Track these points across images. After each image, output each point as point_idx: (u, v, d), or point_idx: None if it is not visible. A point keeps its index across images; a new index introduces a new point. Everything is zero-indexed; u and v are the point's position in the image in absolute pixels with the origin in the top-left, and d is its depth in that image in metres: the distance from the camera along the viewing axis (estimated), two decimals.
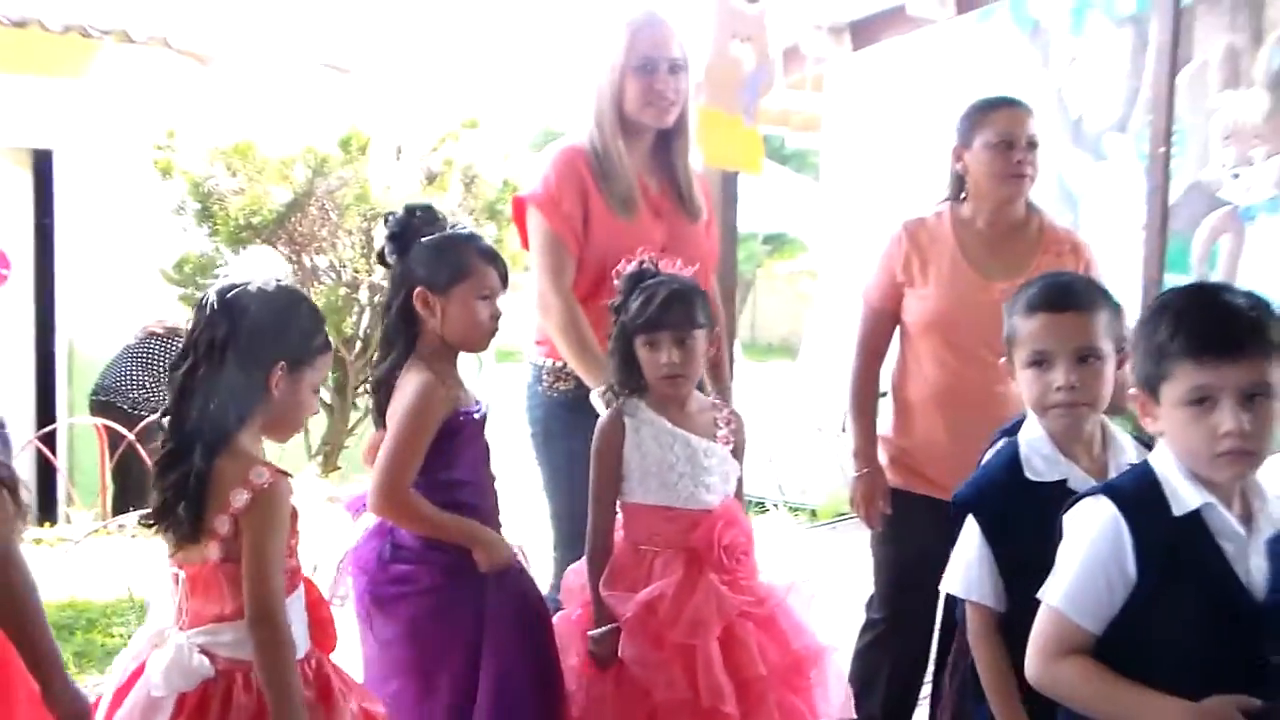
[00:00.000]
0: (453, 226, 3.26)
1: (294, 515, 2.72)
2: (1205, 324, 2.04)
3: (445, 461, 3.14)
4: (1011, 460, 2.63)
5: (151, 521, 2.72)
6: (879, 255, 3.77)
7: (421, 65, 8.27)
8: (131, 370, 7.73)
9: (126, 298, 8.06)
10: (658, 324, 3.14)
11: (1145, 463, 2.20)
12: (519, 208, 3.71)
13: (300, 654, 2.69)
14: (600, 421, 3.27)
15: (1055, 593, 2.15)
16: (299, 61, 9.10)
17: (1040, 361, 2.57)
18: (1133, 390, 2.19)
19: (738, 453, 3.18)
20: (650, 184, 3.68)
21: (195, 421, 2.63)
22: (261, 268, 2.51)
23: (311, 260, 7.97)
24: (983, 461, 2.77)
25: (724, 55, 4.33)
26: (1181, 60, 5.84)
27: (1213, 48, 6.42)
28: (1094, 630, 2.12)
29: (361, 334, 8.76)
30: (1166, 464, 2.13)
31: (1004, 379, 3.17)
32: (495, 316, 3.18)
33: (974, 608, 2.57)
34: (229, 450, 2.63)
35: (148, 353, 7.54)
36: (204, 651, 2.63)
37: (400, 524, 3.16)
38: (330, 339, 2.84)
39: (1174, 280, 5.91)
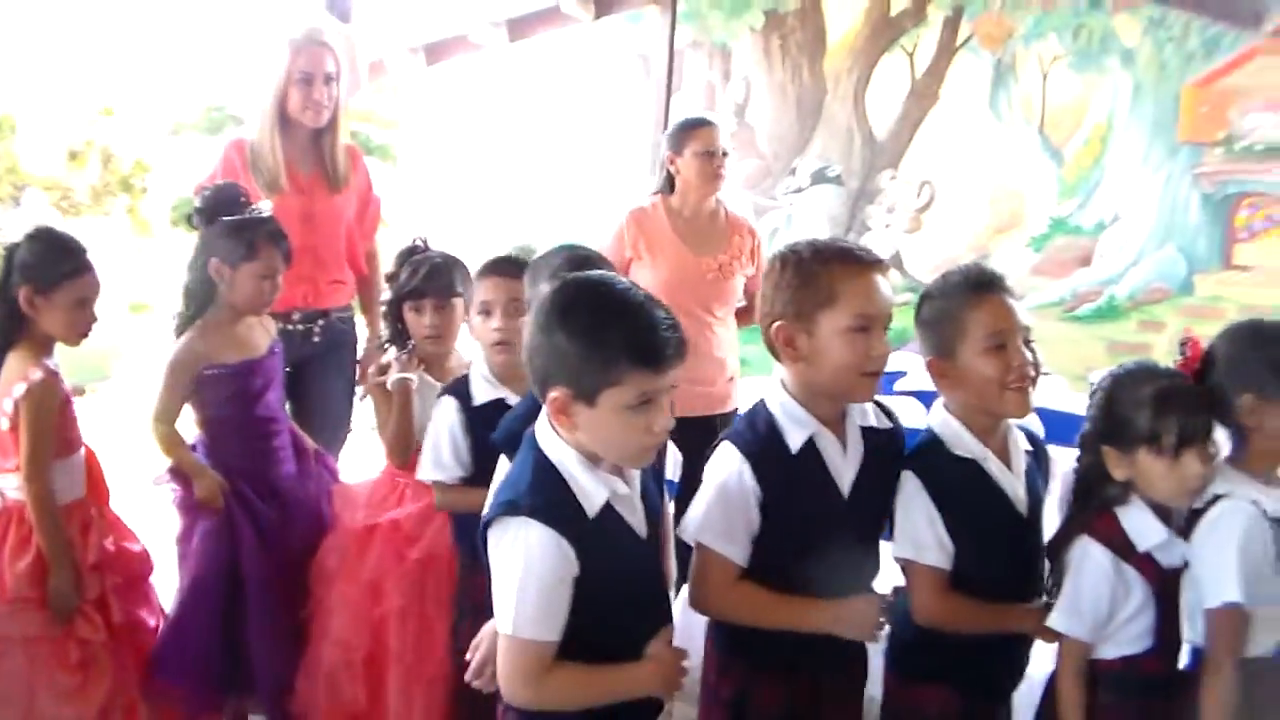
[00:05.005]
0: (250, 209, 3.38)
1: (67, 400, 3.02)
2: None
3: (197, 407, 3.35)
4: (463, 382, 3.03)
5: None
6: (609, 237, 4.21)
7: (63, 56, 8.61)
8: None
9: None
10: (421, 292, 3.30)
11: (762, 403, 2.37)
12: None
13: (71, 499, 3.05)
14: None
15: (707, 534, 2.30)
16: None
17: (486, 312, 2.95)
18: (777, 325, 2.31)
19: None
20: (301, 169, 3.94)
21: None
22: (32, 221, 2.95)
23: None
24: None
25: None
26: (674, 89, 7.06)
27: (696, 82, 7.22)
28: (743, 562, 2.29)
29: None
30: (775, 404, 2.34)
31: (711, 327, 4.10)
32: (275, 289, 3.34)
33: None
34: (14, 354, 2.98)
35: None
36: None
37: None
38: (80, 265, 3.01)
39: None
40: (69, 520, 3.06)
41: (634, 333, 1.93)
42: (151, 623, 3.22)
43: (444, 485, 3.01)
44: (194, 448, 3.35)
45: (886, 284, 2.30)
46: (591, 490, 2.00)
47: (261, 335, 3.42)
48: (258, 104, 3.98)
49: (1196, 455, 2.27)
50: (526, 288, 2.84)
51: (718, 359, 4.19)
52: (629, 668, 2.06)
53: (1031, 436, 2.56)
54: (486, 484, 2.67)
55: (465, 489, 2.96)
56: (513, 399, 2.92)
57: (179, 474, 3.31)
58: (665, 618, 2.19)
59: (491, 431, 2.76)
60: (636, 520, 2.09)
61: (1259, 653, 2.30)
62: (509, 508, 2.00)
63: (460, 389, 3.02)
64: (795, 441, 2.29)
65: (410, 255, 3.36)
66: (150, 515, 3.39)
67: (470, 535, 2.87)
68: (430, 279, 3.28)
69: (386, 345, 3.42)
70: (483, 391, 2.98)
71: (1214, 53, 6.25)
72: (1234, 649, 2.26)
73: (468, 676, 2.32)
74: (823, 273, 2.27)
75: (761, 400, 2.37)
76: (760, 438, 2.31)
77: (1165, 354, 2.43)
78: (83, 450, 3.12)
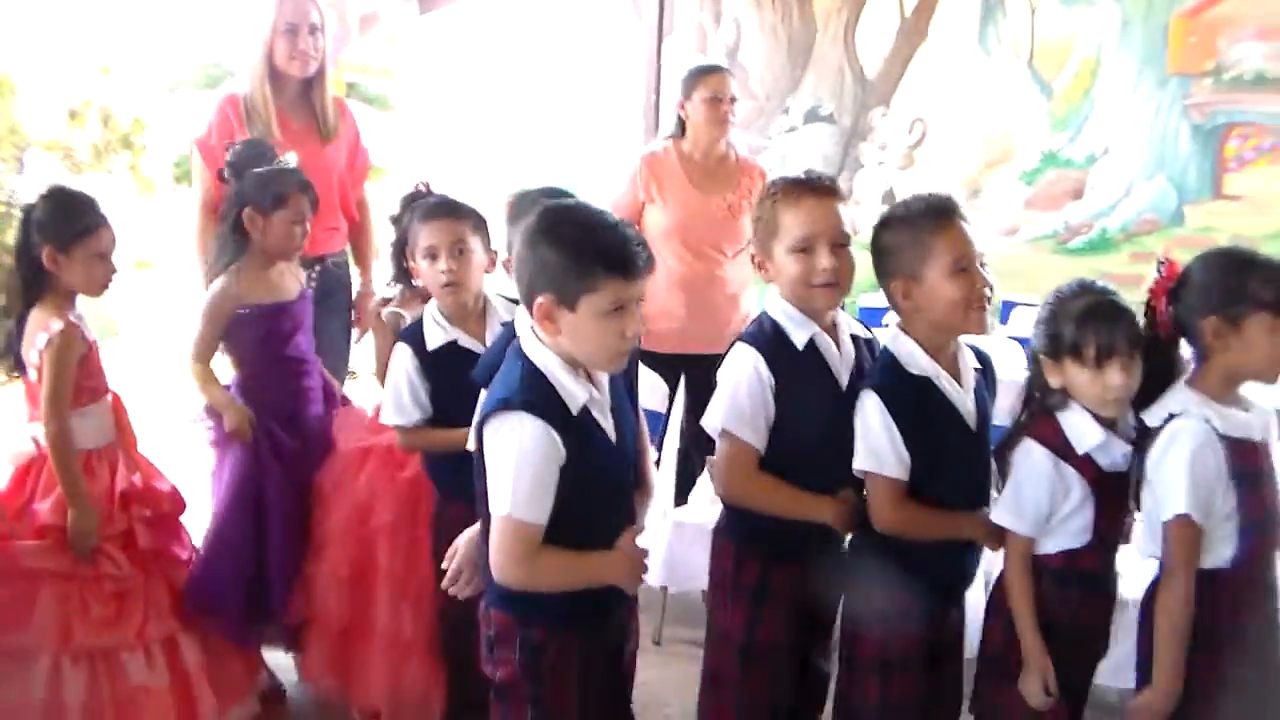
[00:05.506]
0: (278, 161, 3.53)
1: (90, 348, 3.12)
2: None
3: (231, 348, 3.45)
4: (417, 327, 3.11)
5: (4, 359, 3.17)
6: (624, 181, 4.42)
7: (59, 17, 8.63)
8: None
9: None
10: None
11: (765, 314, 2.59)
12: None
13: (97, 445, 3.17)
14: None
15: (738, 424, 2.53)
16: None
17: (432, 256, 3.06)
18: (752, 254, 2.61)
19: None
20: (293, 119, 4.04)
21: (11, 293, 3.14)
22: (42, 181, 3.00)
23: None
24: None
25: None
26: (665, 32, 7.14)
27: (687, 25, 7.26)
28: (762, 449, 2.54)
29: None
30: (777, 310, 2.56)
31: (721, 265, 4.31)
32: (304, 234, 3.46)
33: None
34: (38, 309, 3.08)
35: None
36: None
37: None
38: (95, 221, 3.08)
39: None
40: (99, 463, 3.17)
41: (609, 245, 2.18)
42: (184, 556, 3.33)
43: (405, 429, 3.10)
44: (229, 388, 3.48)
45: (830, 205, 2.54)
46: (574, 390, 2.22)
47: (292, 281, 3.54)
48: (247, 58, 4.08)
49: (1119, 367, 2.39)
50: (507, 223, 2.97)
51: (729, 295, 4.34)
52: (601, 555, 2.28)
53: (980, 355, 2.68)
54: (446, 425, 2.96)
55: (427, 430, 3.08)
56: (465, 340, 3.05)
57: (214, 412, 3.45)
58: (631, 517, 2.42)
59: (447, 373, 2.97)
60: (608, 425, 2.30)
61: (1217, 564, 2.42)
62: (503, 404, 2.19)
63: (414, 334, 3.11)
64: (800, 339, 2.53)
65: (413, 200, 3.44)
66: (169, 464, 3.47)
67: (439, 470, 3.12)
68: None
69: (392, 283, 3.54)
70: (436, 335, 3.07)
71: None
72: (1187, 559, 2.39)
73: (444, 583, 2.49)
74: (769, 205, 2.57)
75: (764, 310, 2.60)
76: (769, 337, 2.55)
77: None
78: (109, 396, 3.23)
